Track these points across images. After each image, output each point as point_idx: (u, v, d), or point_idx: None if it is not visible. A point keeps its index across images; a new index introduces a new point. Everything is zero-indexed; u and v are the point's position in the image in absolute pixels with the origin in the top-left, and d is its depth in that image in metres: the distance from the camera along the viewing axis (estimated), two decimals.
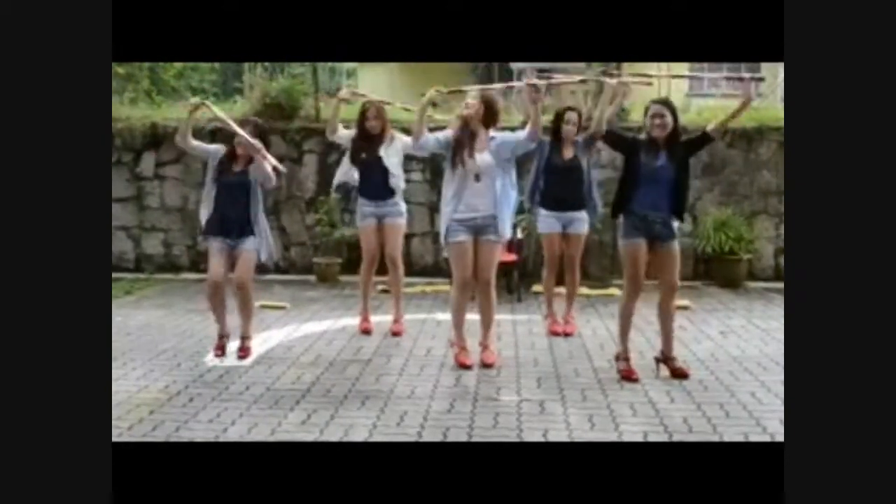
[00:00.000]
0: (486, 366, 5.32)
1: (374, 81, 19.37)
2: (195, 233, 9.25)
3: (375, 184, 6.17)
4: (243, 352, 5.65)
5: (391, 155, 6.19)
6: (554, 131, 6.24)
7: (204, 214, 5.54)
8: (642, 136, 5.07)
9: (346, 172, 6.40)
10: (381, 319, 6.66)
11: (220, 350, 5.62)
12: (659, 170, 4.92)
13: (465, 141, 5.13)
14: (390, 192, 6.19)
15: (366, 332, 6.35)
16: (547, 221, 6.25)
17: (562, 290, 6.53)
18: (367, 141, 6.18)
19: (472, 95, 5.23)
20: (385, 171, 6.14)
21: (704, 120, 9.26)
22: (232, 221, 5.44)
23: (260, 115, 9.21)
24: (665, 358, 5.17)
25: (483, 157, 5.13)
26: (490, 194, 5.16)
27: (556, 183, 6.20)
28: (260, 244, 5.54)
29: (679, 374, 5.09)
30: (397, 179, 6.21)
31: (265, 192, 5.67)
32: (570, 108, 6.34)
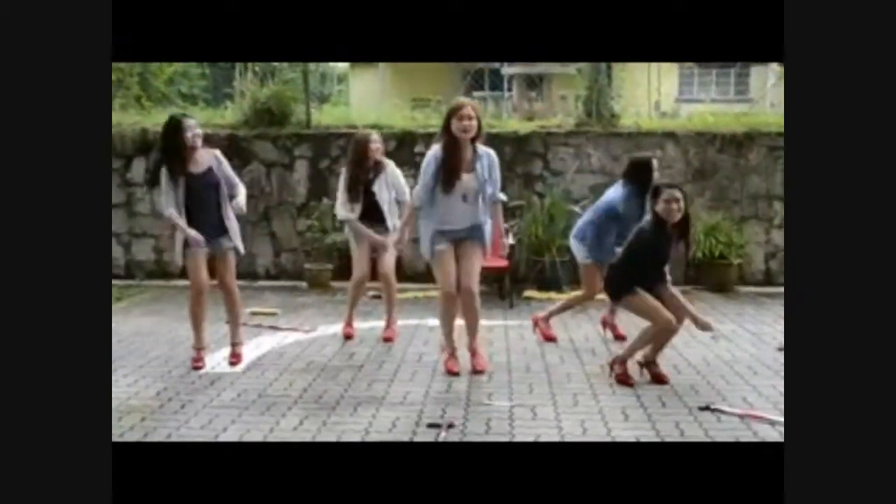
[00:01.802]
0: (476, 372, 5.32)
1: (364, 86, 19.44)
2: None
3: (370, 215, 6.21)
4: (235, 358, 5.63)
5: (384, 190, 6.21)
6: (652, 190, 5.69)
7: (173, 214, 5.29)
8: (647, 222, 5.01)
9: (346, 207, 6.31)
10: (374, 325, 6.66)
11: (200, 362, 5.54)
12: (667, 251, 5.03)
13: (454, 163, 5.04)
14: (384, 222, 6.22)
15: (348, 336, 6.36)
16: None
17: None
18: (365, 174, 6.20)
19: (470, 108, 5.00)
20: (379, 207, 6.20)
21: (694, 124, 9.37)
22: (209, 226, 5.36)
23: (250, 121, 9.27)
24: (648, 362, 5.21)
25: (469, 178, 5.10)
26: (474, 211, 5.18)
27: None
28: (235, 240, 5.52)
29: (659, 380, 5.13)
30: (392, 210, 6.25)
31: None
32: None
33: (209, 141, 9.05)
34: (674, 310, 5.03)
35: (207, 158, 5.37)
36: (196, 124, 5.30)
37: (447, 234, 5.19)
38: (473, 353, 5.41)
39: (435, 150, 5.13)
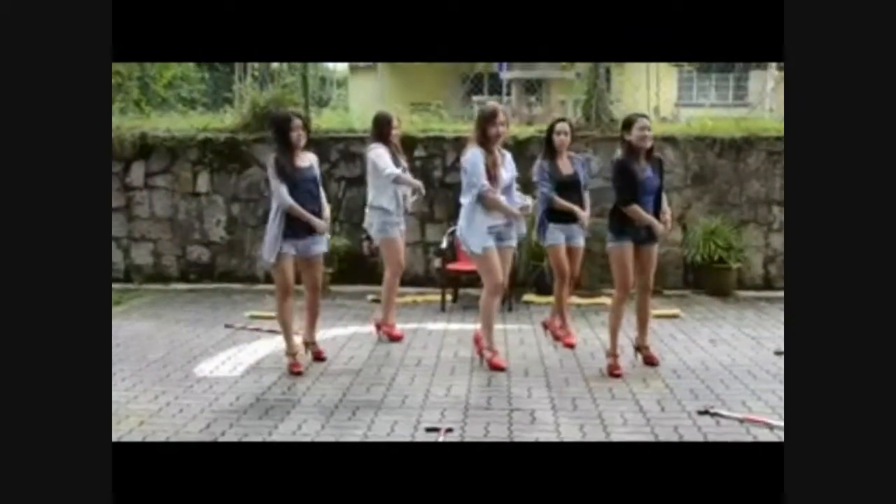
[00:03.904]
0: (500, 369, 5.56)
1: (364, 91, 19.46)
2: (185, 242, 9.24)
3: (405, 194, 6.41)
4: (319, 355, 5.70)
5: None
6: (547, 143, 6.28)
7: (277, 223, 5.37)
8: (619, 153, 5.35)
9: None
10: (371, 329, 6.65)
11: (298, 367, 5.52)
12: (647, 180, 5.28)
13: (497, 160, 5.44)
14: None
15: (397, 338, 6.42)
16: (554, 234, 6.23)
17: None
18: (397, 149, 6.42)
19: (502, 114, 5.41)
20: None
21: (693, 129, 9.37)
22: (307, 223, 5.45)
23: (250, 125, 9.26)
24: (639, 346, 5.68)
25: (503, 173, 5.48)
26: (507, 203, 5.52)
27: (562, 197, 6.15)
28: (325, 240, 5.66)
29: (650, 362, 5.61)
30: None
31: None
32: (560, 120, 6.44)
33: (208, 145, 9.15)
34: (640, 271, 5.42)
35: (308, 156, 5.56)
36: (301, 124, 5.47)
37: (493, 231, 5.46)
38: (494, 352, 5.69)
39: (475, 151, 5.40)
